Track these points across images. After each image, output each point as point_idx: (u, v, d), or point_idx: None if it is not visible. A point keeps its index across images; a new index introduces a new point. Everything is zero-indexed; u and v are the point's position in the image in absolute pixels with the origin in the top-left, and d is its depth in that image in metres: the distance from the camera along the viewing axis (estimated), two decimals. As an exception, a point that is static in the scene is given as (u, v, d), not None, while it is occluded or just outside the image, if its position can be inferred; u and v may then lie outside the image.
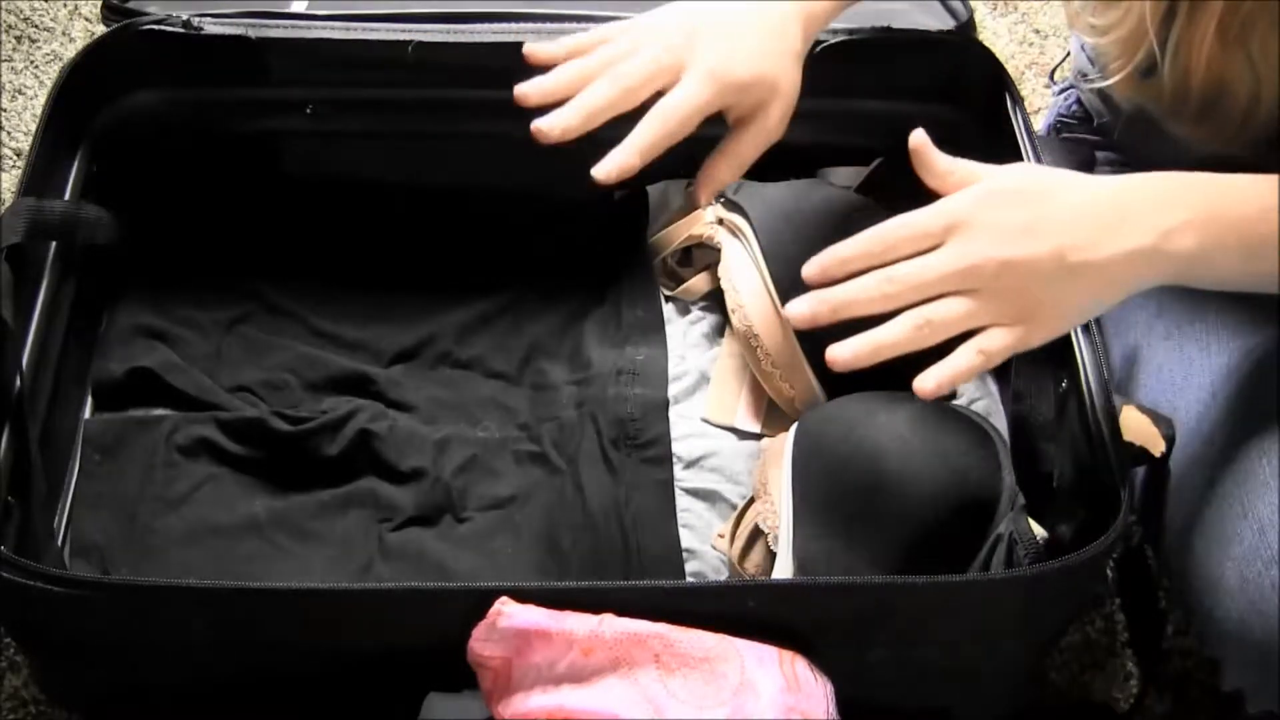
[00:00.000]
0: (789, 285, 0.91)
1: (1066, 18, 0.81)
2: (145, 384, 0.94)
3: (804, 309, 0.72)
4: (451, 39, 0.94)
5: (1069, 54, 1.00)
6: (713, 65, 0.77)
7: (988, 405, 0.93)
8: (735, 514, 0.88)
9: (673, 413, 0.94)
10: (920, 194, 0.99)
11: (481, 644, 0.71)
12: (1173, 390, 0.82)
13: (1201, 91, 0.74)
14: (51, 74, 1.30)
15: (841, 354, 0.70)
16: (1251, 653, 0.72)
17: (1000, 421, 0.90)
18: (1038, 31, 1.39)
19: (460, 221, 1.04)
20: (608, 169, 0.77)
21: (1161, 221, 0.67)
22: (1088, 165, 0.96)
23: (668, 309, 1.00)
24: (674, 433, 0.93)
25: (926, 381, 0.69)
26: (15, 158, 1.24)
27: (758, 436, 0.93)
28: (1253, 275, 0.69)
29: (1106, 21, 0.76)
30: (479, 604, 0.71)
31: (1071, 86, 1.00)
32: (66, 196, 0.91)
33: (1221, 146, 0.74)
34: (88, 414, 0.93)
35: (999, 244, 0.69)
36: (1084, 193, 0.70)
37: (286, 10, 0.96)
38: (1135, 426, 0.76)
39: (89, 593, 0.71)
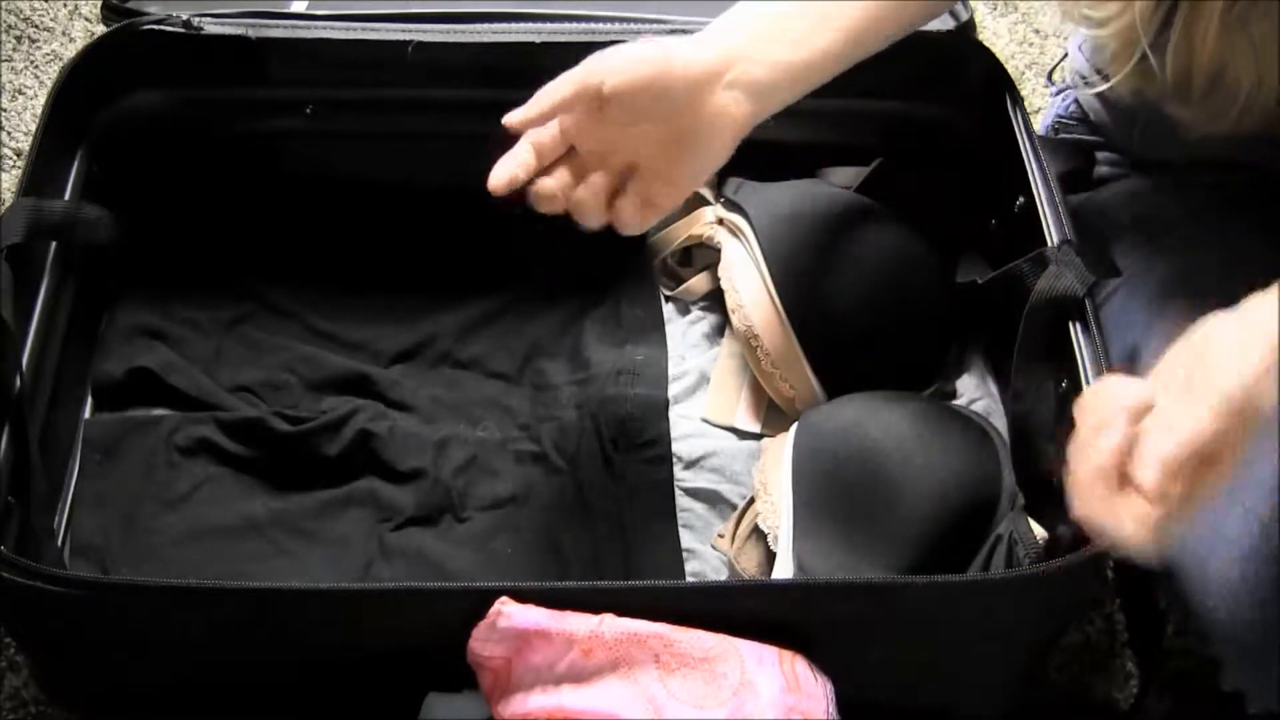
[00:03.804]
0: (789, 285, 0.91)
1: (1061, 10, 0.81)
2: (145, 384, 0.94)
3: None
4: (451, 39, 0.94)
5: (1066, 55, 1.00)
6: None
7: (988, 405, 0.93)
8: (735, 514, 0.88)
9: (673, 413, 0.94)
10: (920, 195, 1.00)
11: (481, 644, 0.71)
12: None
13: (1203, 78, 0.74)
14: (51, 74, 1.30)
15: None
16: (1252, 651, 0.72)
17: (1000, 421, 0.90)
18: (1038, 31, 1.39)
19: (460, 221, 1.04)
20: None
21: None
22: (1087, 165, 0.96)
23: (668, 309, 1.00)
24: (674, 433, 0.93)
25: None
26: (15, 158, 1.24)
27: (758, 436, 0.93)
28: None
29: (1104, 14, 0.76)
30: (479, 604, 0.71)
31: (1069, 88, 1.00)
32: (66, 196, 0.91)
33: (1220, 129, 0.74)
34: (88, 414, 0.93)
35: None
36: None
37: (286, 10, 0.96)
38: (1135, 426, 0.76)
39: (89, 593, 0.71)
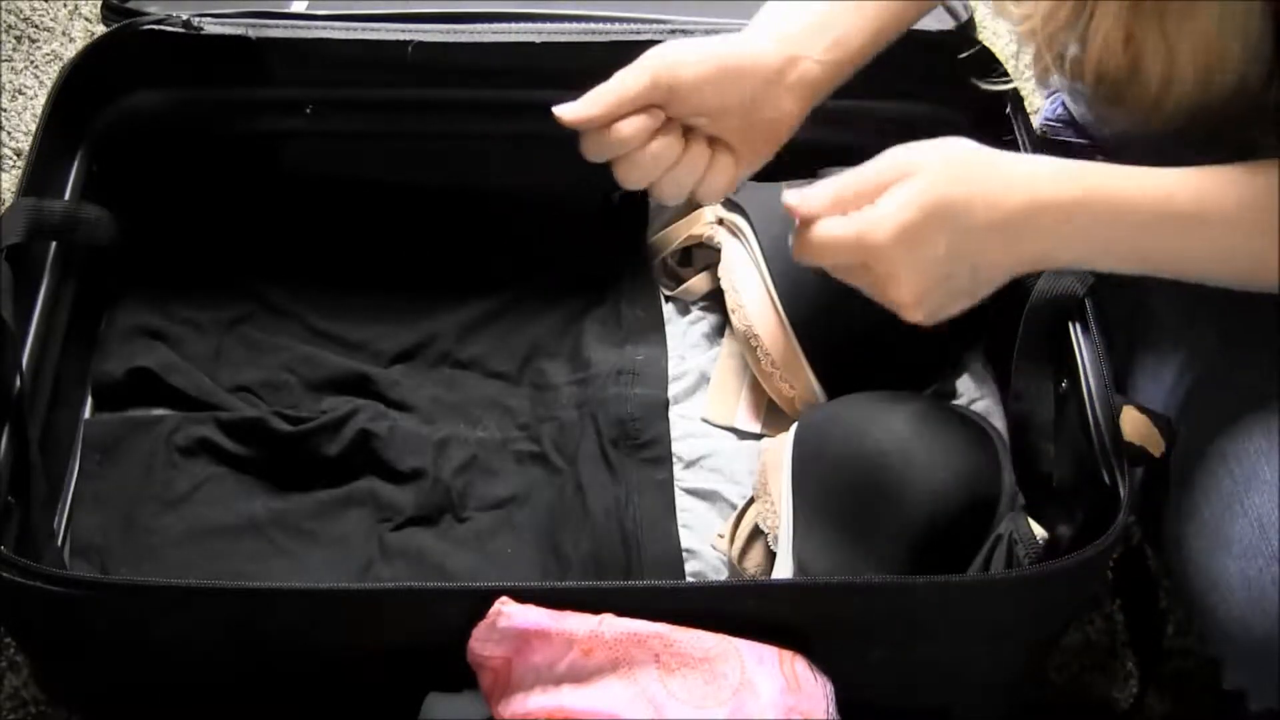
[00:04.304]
0: (789, 285, 0.91)
1: (993, 7, 0.82)
2: (145, 384, 0.94)
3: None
4: (451, 39, 0.94)
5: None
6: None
7: (988, 405, 0.93)
8: (735, 514, 0.87)
9: (673, 413, 0.94)
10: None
11: (481, 644, 0.71)
12: (1172, 390, 0.82)
13: (1117, 76, 0.75)
14: (51, 74, 1.30)
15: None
16: (1254, 650, 0.72)
17: (1000, 421, 0.90)
18: (1037, 32, 1.39)
19: (460, 221, 1.04)
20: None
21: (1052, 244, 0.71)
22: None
23: (668, 309, 1.00)
24: (674, 433, 0.93)
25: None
26: (15, 158, 1.24)
27: (758, 436, 0.93)
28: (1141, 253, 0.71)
29: (1023, 12, 0.77)
30: (479, 604, 0.71)
31: (1058, 90, 1.00)
32: (66, 196, 0.91)
33: (1142, 127, 0.76)
34: (88, 414, 0.93)
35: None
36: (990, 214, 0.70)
37: (286, 10, 0.96)
38: (1135, 426, 0.76)
39: (89, 593, 0.71)
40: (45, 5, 1.36)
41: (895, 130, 1.00)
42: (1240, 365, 0.79)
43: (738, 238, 0.95)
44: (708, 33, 0.91)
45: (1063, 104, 1.01)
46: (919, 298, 0.70)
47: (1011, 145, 0.91)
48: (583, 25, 0.94)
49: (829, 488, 0.82)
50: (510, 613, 0.71)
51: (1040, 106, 1.27)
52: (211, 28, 0.93)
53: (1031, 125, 0.91)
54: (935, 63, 0.95)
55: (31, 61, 1.32)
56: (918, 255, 0.69)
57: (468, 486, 0.91)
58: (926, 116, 0.99)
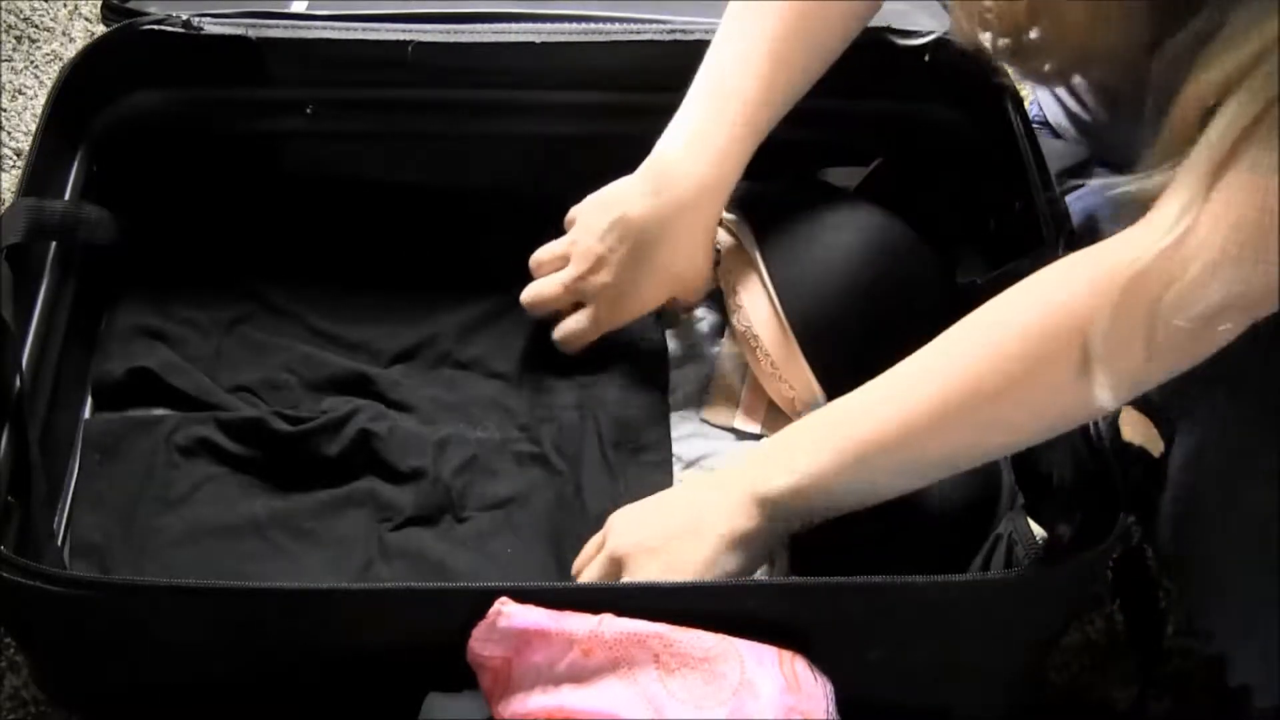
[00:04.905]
0: (788, 286, 0.91)
1: None
2: (145, 384, 0.94)
3: None
4: (451, 39, 0.94)
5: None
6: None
7: (988, 405, 0.93)
8: (735, 514, 0.87)
9: (672, 414, 0.94)
10: (920, 195, 0.99)
11: (481, 644, 0.71)
12: (1169, 386, 0.82)
13: (1017, 24, 0.79)
14: (51, 74, 1.30)
15: None
16: (1258, 647, 0.72)
17: (1000, 421, 0.90)
18: (1038, 31, 1.39)
19: (460, 221, 1.04)
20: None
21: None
22: (1085, 161, 0.96)
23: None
24: (674, 433, 0.93)
25: None
26: (15, 158, 1.24)
27: (757, 437, 0.93)
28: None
29: None
30: (479, 604, 0.71)
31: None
32: (66, 196, 0.91)
33: (1043, 82, 0.82)
34: (88, 414, 0.93)
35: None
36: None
37: (286, 10, 0.96)
38: (1135, 426, 0.76)
39: (89, 593, 0.71)
40: (45, 5, 1.36)
41: (894, 130, 1.01)
42: (1240, 359, 0.79)
43: (737, 238, 0.95)
44: (708, 32, 0.91)
45: (1039, 105, 1.01)
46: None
47: (1012, 145, 0.91)
48: (583, 25, 0.94)
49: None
50: (510, 613, 0.71)
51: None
52: (211, 28, 0.93)
53: (1030, 121, 0.91)
54: (935, 63, 0.95)
55: (31, 61, 1.32)
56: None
57: (468, 486, 0.91)
58: (927, 116, 0.99)
